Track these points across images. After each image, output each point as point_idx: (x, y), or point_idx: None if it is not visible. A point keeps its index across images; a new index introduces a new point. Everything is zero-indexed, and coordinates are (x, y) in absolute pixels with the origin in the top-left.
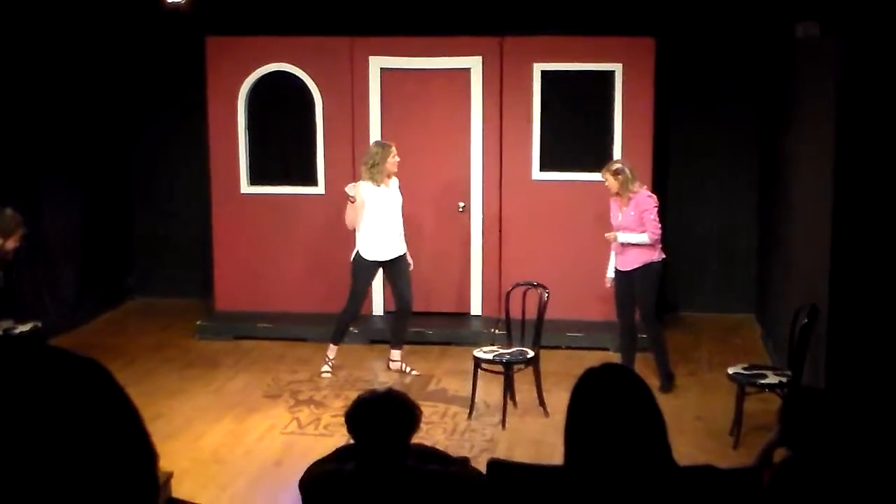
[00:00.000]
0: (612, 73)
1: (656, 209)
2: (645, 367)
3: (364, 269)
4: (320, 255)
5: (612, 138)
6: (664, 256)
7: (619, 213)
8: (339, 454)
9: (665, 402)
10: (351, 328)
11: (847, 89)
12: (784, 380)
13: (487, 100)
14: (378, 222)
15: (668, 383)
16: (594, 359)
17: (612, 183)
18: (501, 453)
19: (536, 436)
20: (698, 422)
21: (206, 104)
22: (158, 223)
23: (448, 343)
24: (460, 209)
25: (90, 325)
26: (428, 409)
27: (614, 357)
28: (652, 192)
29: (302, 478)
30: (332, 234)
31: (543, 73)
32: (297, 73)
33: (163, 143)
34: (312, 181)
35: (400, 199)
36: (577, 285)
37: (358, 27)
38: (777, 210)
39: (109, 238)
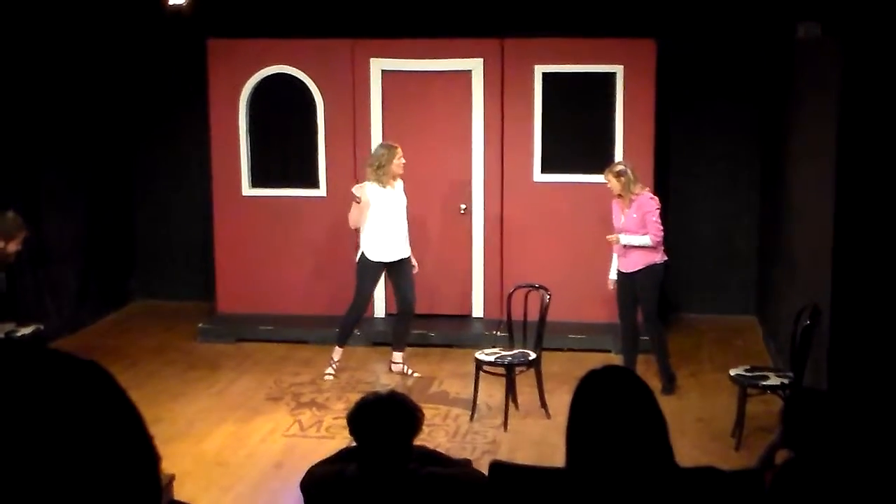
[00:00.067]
0: (613, 74)
1: (658, 211)
2: (647, 369)
3: (369, 271)
4: (322, 258)
5: (613, 140)
6: (666, 258)
7: (621, 216)
8: (341, 456)
9: (667, 403)
10: (354, 331)
11: (848, 90)
12: (786, 381)
13: (489, 102)
14: (383, 224)
15: (669, 385)
16: (596, 361)
17: (615, 184)
18: (503, 455)
19: (538, 438)
20: (700, 423)
21: (207, 106)
22: (160, 226)
23: (450, 345)
24: (462, 211)
25: (92, 327)
26: (430, 412)
27: (616, 359)
28: (654, 193)
29: (303, 479)
30: (333, 237)
31: (545, 74)
32: (298, 76)
33: (164, 146)
34: (314, 183)
35: (405, 200)
36: (579, 287)
37: (359, 29)
38: (779, 211)
39: (111, 241)
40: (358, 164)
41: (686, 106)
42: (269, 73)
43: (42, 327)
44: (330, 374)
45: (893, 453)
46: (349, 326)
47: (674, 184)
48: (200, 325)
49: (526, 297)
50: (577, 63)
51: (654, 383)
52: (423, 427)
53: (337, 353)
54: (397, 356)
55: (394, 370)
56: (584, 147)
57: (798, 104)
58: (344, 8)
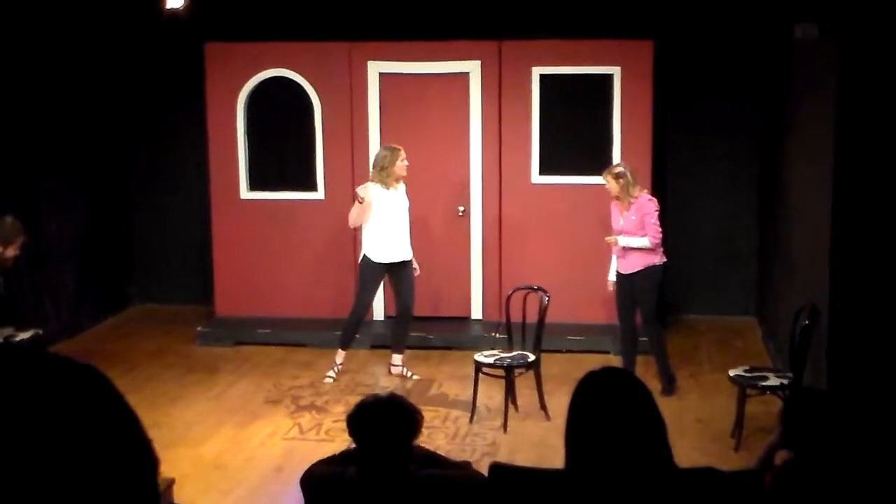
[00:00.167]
0: (610, 76)
1: (657, 213)
2: (646, 370)
3: (371, 272)
4: (320, 260)
5: (611, 141)
6: (665, 260)
7: (620, 218)
8: (342, 457)
9: (666, 404)
10: (356, 334)
11: (846, 90)
12: (785, 382)
13: (486, 104)
14: (385, 225)
15: (669, 386)
16: (595, 362)
17: (613, 186)
18: (503, 457)
19: (538, 439)
20: (699, 424)
21: (205, 110)
22: (158, 229)
23: (449, 347)
24: (460, 213)
25: (91, 331)
26: (429, 414)
27: (615, 360)
28: (652, 194)
29: (303, 476)
30: (331, 239)
31: (542, 76)
32: (295, 79)
33: (162, 149)
34: (312, 186)
35: (407, 203)
36: (578, 288)
37: (356, 32)
38: (777, 211)
39: (110, 245)
40: (356, 166)
41: (684, 107)
42: (267, 77)
43: (41, 331)
44: (330, 376)
45: (893, 453)
46: (351, 329)
47: (672, 184)
48: (199, 328)
49: (525, 298)
50: (575, 64)
51: (654, 384)
52: (423, 429)
53: (340, 356)
54: (396, 359)
55: (393, 372)
56: (582, 148)
57: (796, 104)
58: (341, 11)
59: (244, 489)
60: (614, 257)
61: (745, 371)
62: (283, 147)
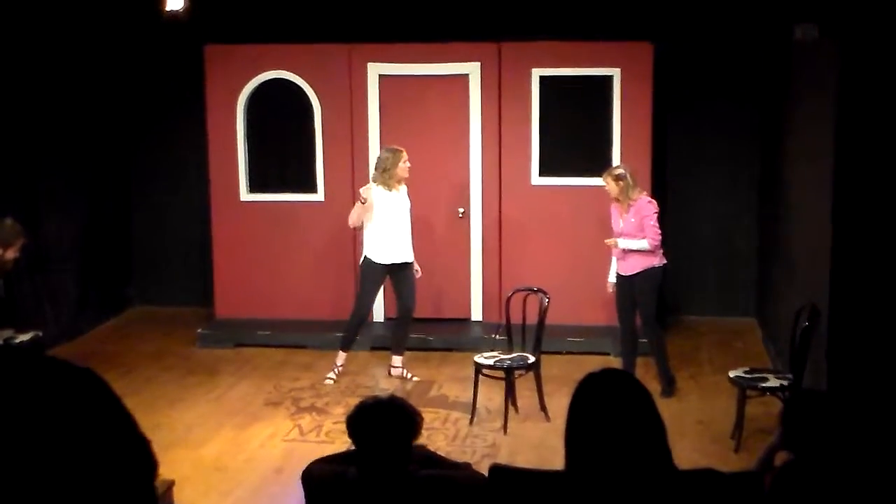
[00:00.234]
0: (610, 77)
1: (656, 215)
2: (646, 372)
3: (373, 273)
4: (320, 262)
5: (611, 143)
6: (665, 261)
7: (619, 220)
8: (343, 457)
9: (666, 405)
10: (357, 335)
11: (846, 91)
12: (785, 383)
13: (486, 105)
14: (387, 226)
15: (669, 388)
16: (595, 363)
17: (612, 187)
18: (503, 459)
19: (538, 441)
20: (699, 425)
21: (205, 112)
22: (158, 231)
23: (449, 349)
24: (460, 215)
25: (91, 333)
26: (429, 416)
27: (615, 362)
28: (652, 196)
29: (304, 473)
30: (331, 241)
31: (542, 78)
32: (295, 81)
33: (162, 151)
34: (312, 188)
35: (409, 204)
36: (578, 290)
37: (356, 34)
38: (777, 212)
39: (109, 247)
40: (356, 168)
41: (684, 107)
42: (267, 79)
43: (40, 334)
44: (331, 378)
45: (893, 454)
46: (353, 331)
47: (672, 185)
48: (199, 330)
49: (525, 300)
50: (575, 66)
51: (654, 386)
52: (423, 431)
53: (340, 357)
54: (396, 360)
55: (393, 374)
56: (582, 150)
57: (796, 105)
58: (341, 13)
59: (244, 491)
60: (614, 259)
61: (746, 372)
62: (282, 149)
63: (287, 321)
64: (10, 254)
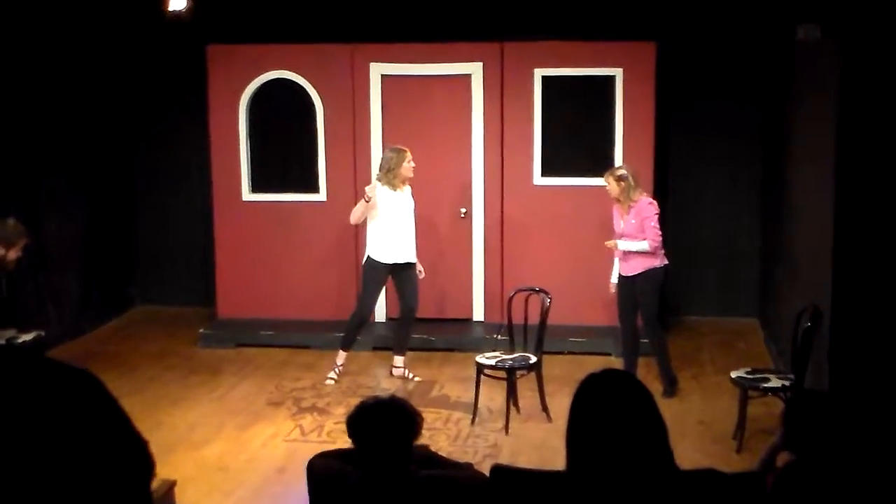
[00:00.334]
0: (612, 77)
1: (657, 216)
2: (648, 372)
3: (376, 273)
4: (322, 262)
5: (613, 143)
6: (667, 262)
7: (620, 220)
8: (348, 453)
9: (668, 406)
10: (358, 335)
11: (848, 91)
12: (787, 383)
13: (488, 105)
14: (391, 226)
15: (671, 388)
16: (596, 364)
17: (613, 187)
18: (505, 459)
19: (540, 441)
20: (701, 426)
21: (207, 112)
22: (161, 231)
23: (451, 349)
24: (462, 215)
25: (93, 333)
26: (431, 416)
27: (617, 362)
28: (654, 196)
29: (308, 464)
30: (334, 241)
31: (544, 78)
32: (297, 81)
33: (164, 151)
34: (314, 188)
35: (413, 205)
36: (579, 290)
37: (358, 34)
38: (779, 213)
39: (112, 247)
40: (358, 168)
41: (686, 108)
42: (269, 79)
43: (43, 334)
44: (332, 378)
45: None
46: (353, 330)
47: (674, 186)
48: (201, 330)
49: (526, 300)
50: (577, 66)
51: (656, 386)
52: (425, 431)
53: (341, 357)
54: (398, 360)
55: (395, 374)
56: (585, 150)
57: (798, 106)
58: (343, 13)
59: (246, 490)
60: (616, 260)
61: (747, 373)
62: (285, 149)
63: (289, 321)
64: (13, 254)
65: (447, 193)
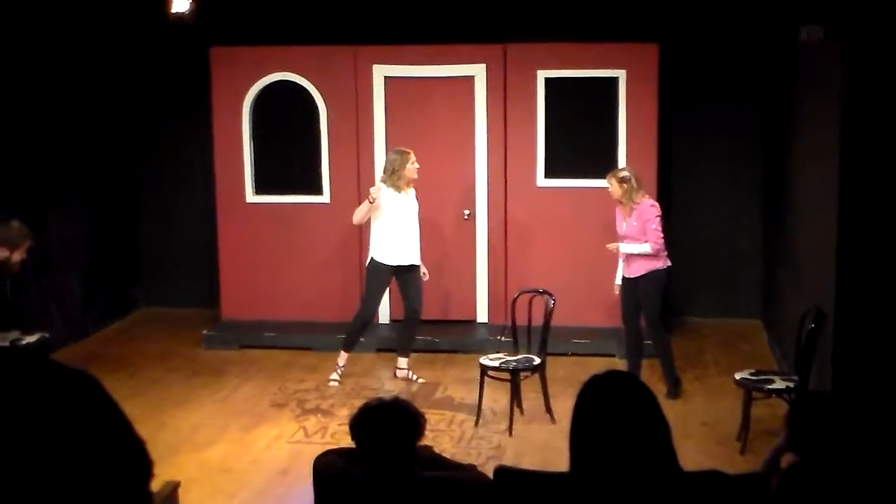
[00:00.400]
0: (615, 79)
1: (658, 218)
2: (651, 374)
3: (379, 275)
4: (326, 264)
5: (616, 144)
6: (669, 264)
7: (622, 222)
8: (352, 453)
9: (672, 407)
10: (360, 337)
11: (851, 92)
12: (791, 385)
13: (492, 107)
14: (395, 228)
15: (675, 389)
16: (600, 365)
17: (616, 189)
18: (509, 460)
19: (543, 442)
20: (705, 427)
21: (210, 114)
22: (164, 233)
23: (454, 351)
24: (466, 216)
25: (97, 335)
26: (435, 417)
27: (620, 363)
28: (656, 197)
29: (315, 461)
30: (337, 243)
31: (547, 80)
32: (301, 83)
33: (168, 153)
34: (317, 190)
35: (417, 207)
36: (583, 292)
37: (361, 36)
38: (782, 214)
39: (116, 248)
40: (361, 170)
41: (689, 109)
42: (272, 81)
43: (47, 335)
44: (335, 379)
45: None
46: (356, 332)
47: (677, 186)
48: (205, 332)
49: (530, 302)
50: (580, 68)
51: (660, 387)
52: (428, 433)
53: (343, 358)
54: (402, 362)
55: (399, 376)
56: (588, 152)
57: (800, 106)
58: (346, 15)
59: (250, 492)
60: (621, 261)
61: (751, 374)
62: (288, 151)
63: (292, 323)
64: (17, 256)
65: (451, 195)
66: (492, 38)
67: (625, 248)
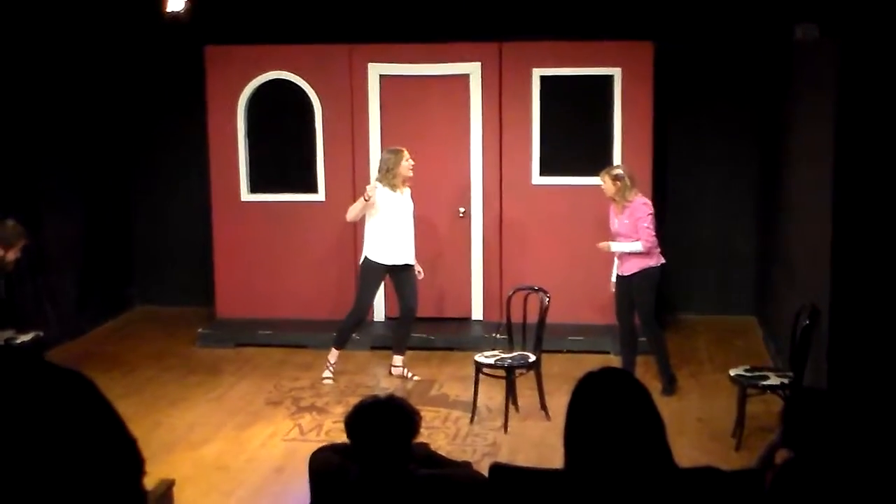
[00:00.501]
0: (610, 77)
1: (650, 217)
2: (647, 371)
3: (372, 273)
4: (321, 262)
5: (611, 142)
6: (663, 261)
7: (615, 220)
8: (348, 449)
9: (667, 404)
10: (353, 334)
11: (846, 91)
12: (786, 381)
13: (487, 105)
14: (390, 227)
15: (670, 386)
16: (595, 362)
17: (609, 186)
18: (504, 457)
19: (538, 439)
20: (700, 424)
21: (205, 113)
22: (159, 232)
23: (449, 348)
24: (461, 214)
25: (92, 334)
26: (430, 415)
27: (615, 360)
28: (652, 195)
29: (311, 458)
30: (332, 241)
31: (542, 78)
32: (296, 81)
33: (163, 152)
34: (312, 188)
35: (412, 206)
36: (578, 289)
37: (356, 34)
38: (777, 211)
39: (110, 247)
40: (357, 168)
41: (684, 107)
42: (267, 79)
43: (42, 334)
44: (328, 377)
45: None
46: (348, 330)
47: (672, 185)
48: (200, 330)
49: (525, 299)
50: (575, 66)
51: (655, 384)
52: (424, 430)
53: (333, 355)
54: (397, 360)
55: (394, 374)
56: (583, 150)
57: (796, 105)
58: (341, 13)
59: (245, 490)
60: (616, 259)
61: (746, 370)
62: (283, 149)
63: (287, 321)
64: (12, 254)
65: (446, 193)
66: (487, 36)
67: (616, 246)
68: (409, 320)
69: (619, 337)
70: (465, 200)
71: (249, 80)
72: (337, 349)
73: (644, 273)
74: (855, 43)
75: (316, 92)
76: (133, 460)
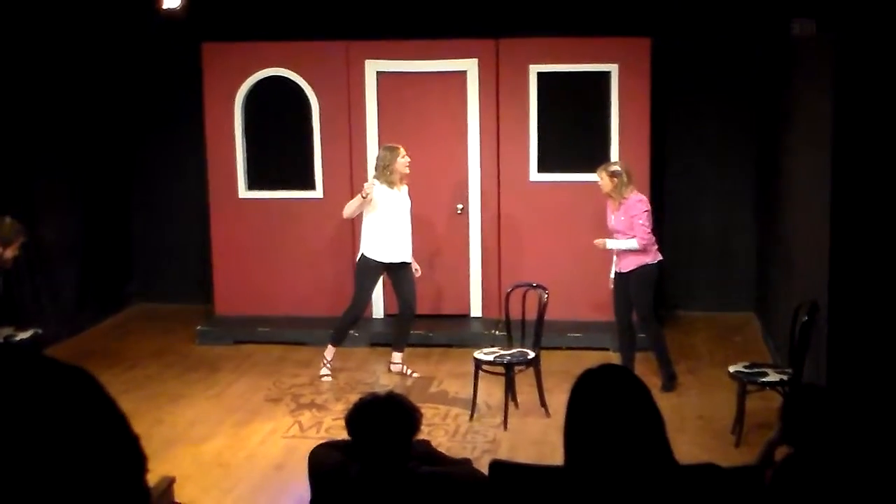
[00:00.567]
0: (608, 73)
1: (646, 214)
2: (646, 367)
3: (369, 271)
4: (319, 259)
5: (609, 139)
6: (660, 258)
7: (612, 216)
8: (349, 446)
9: (666, 400)
10: (352, 331)
11: (844, 86)
12: (785, 378)
13: (484, 102)
14: (387, 224)
15: (669, 383)
16: (594, 359)
17: (606, 183)
18: (503, 454)
19: (538, 436)
20: (700, 420)
21: (202, 110)
22: (158, 229)
23: (448, 345)
24: (459, 211)
25: (91, 331)
26: (429, 412)
27: (615, 357)
28: (650, 191)
29: (310, 455)
30: (330, 238)
31: (540, 74)
32: (293, 78)
33: (161, 149)
34: (310, 185)
35: (409, 204)
36: (577, 286)
37: (353, 31)
38: (776, 208)
39: (109, 244)
40: (354, 165)
41: (682, 103)
42: (264, 76)
43: (41, 331)
44: (326, 374)
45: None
46: (345, 327)
47: (670, 181)
48: (199, 327)
49: (524, 296)
50: (572, 62)
51: (654, 381)
52: (423, 427)
53: (330, 352)
54: (396, 357)
55: (393, 371)
56: (580, 146)
57: (793, 101)
58: (338, 10)
59: (245, 487)
60: (614, 255)
61: (745, 367)
62: (281, 146)
63: (286, 318)
64: (10, 252)
65: (443, 190)
66: (484, 32)
67: (612, 243)
68: (409, 317)
69: (618, 333)
70: (463, 197)
71: (246, 77)
72: (333, 346)
73: (640, 271)
74: (852, 38)
75: (313, 89)
76: (136, 458)
